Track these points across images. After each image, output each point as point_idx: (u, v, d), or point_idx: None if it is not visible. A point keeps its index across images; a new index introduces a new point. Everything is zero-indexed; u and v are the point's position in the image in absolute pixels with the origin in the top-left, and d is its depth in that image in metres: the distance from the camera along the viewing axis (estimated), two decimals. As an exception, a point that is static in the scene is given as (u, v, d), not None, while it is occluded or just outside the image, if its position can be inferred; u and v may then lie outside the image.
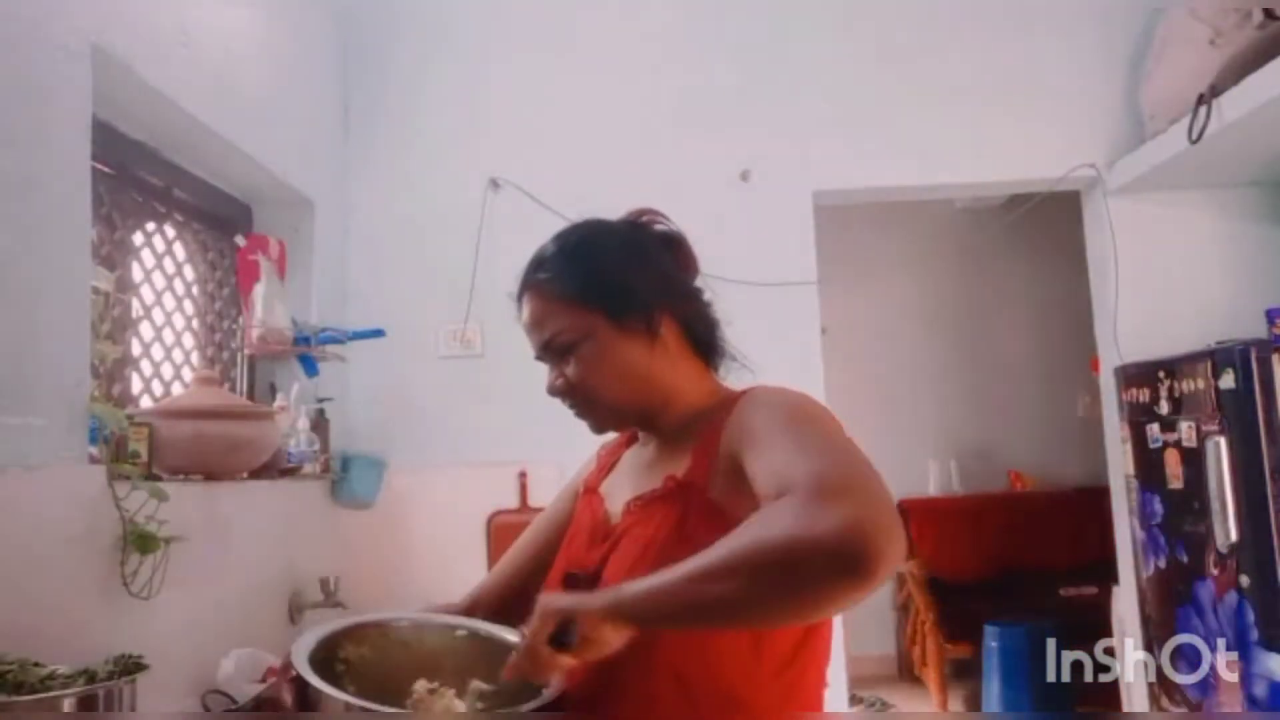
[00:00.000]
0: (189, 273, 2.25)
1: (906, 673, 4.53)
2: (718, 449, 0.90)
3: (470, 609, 1.09)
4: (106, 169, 1.86)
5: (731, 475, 0.87)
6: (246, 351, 2.34)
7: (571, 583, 0.95)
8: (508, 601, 1.09)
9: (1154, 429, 2.44)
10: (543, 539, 1.13)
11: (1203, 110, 2.23)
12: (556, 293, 0.99)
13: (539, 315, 1.00)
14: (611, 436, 1.14)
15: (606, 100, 2.82)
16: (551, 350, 1.00)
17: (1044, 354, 4.64)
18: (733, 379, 1.07)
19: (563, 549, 1.05)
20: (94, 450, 1.52)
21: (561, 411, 1.04)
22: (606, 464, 1.13)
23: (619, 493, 1.03)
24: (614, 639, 0.76)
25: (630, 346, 0.98)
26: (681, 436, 0.98)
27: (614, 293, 0.98)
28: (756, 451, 0.84)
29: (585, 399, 1.00)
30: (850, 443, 0.82)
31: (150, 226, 2.08)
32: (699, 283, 1.09)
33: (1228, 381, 2.13)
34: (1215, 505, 2.16)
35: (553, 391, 1.01)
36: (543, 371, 1.03)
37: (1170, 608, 2.39)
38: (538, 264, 1.02)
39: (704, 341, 1.04)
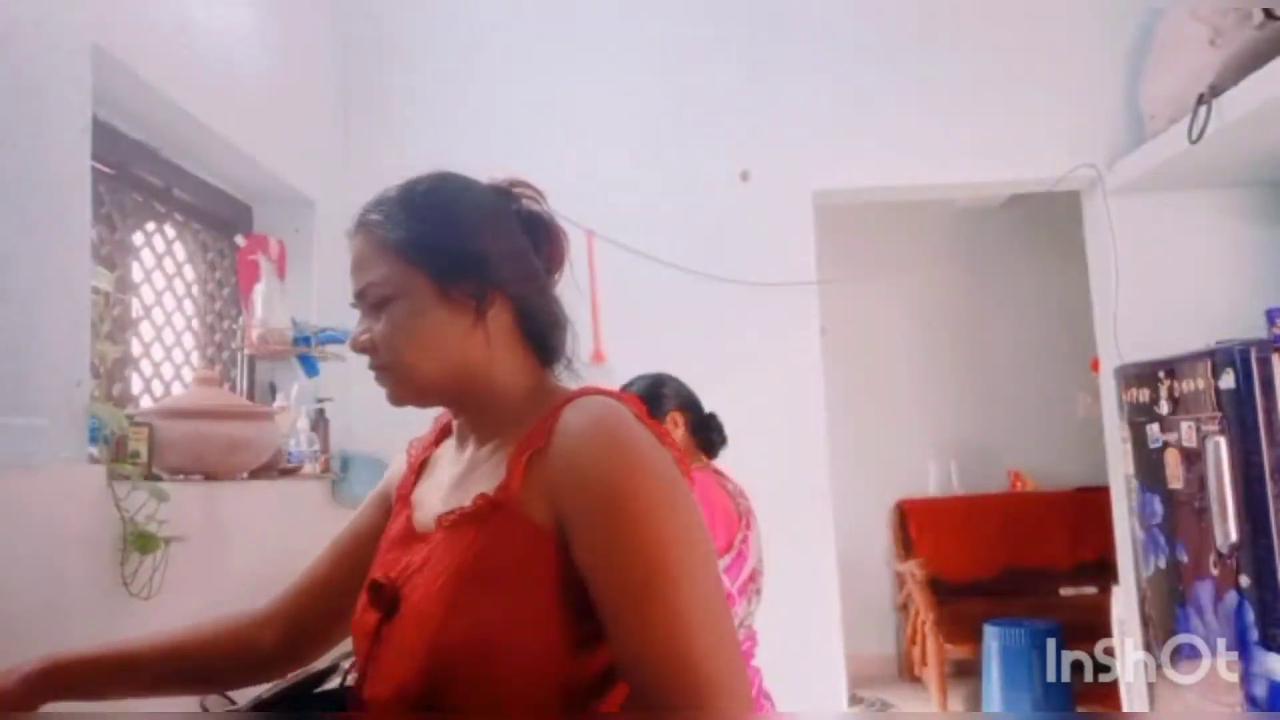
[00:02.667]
0: (189, 273, 2.25)
1: (906, 673, 4.53)
2: (531, 473, 0.82)
3: (266, 620, 1.09)
4: (106, 169, 1.86)
5: (547, 502, 0.80)
6: (246, 351, 2.34)
7: (375, 591, 0.87)
8: (304, 613, 1.07)
9: (1154, 429, 2.44)
10: (342, 550, 1.07)
11: (1203, 110, 2.23)
12: (384, 239, 0.89)
13: (361, 258, 0.91)
14: (423, 432, 1.09)
15: (607, 100, 2.82)
16: (365, 300, 0.91)
17: (1044, 354, 4.64)
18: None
19: (376, 559, 0.95)
20: (94, 450, 1.52)
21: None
22: (416, 465, 1.04)
23: (430, 500, 0.95)
24: None
25: (449, 318, 0.88)
26: (498, 438, 0.90)
27: (446, 254, 0.88)
28: (590, 558, 0.78)
29: (388, 362, 0.90)
30: (680, 560, 0.76)
31: (150, 226, 2.08)
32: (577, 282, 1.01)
33: (1228, 381, 2.13)
34: (1215, 505, 2.16)
35: (355, 346, 0.92)
36: None
37: (1170, 608, 2.39)
38: (376, 203, 0.92)
39: (538, 337, 0.93)
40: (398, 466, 1.09)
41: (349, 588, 0.96)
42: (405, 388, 0.91)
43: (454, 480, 0.93)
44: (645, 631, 0.74)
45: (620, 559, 0.76)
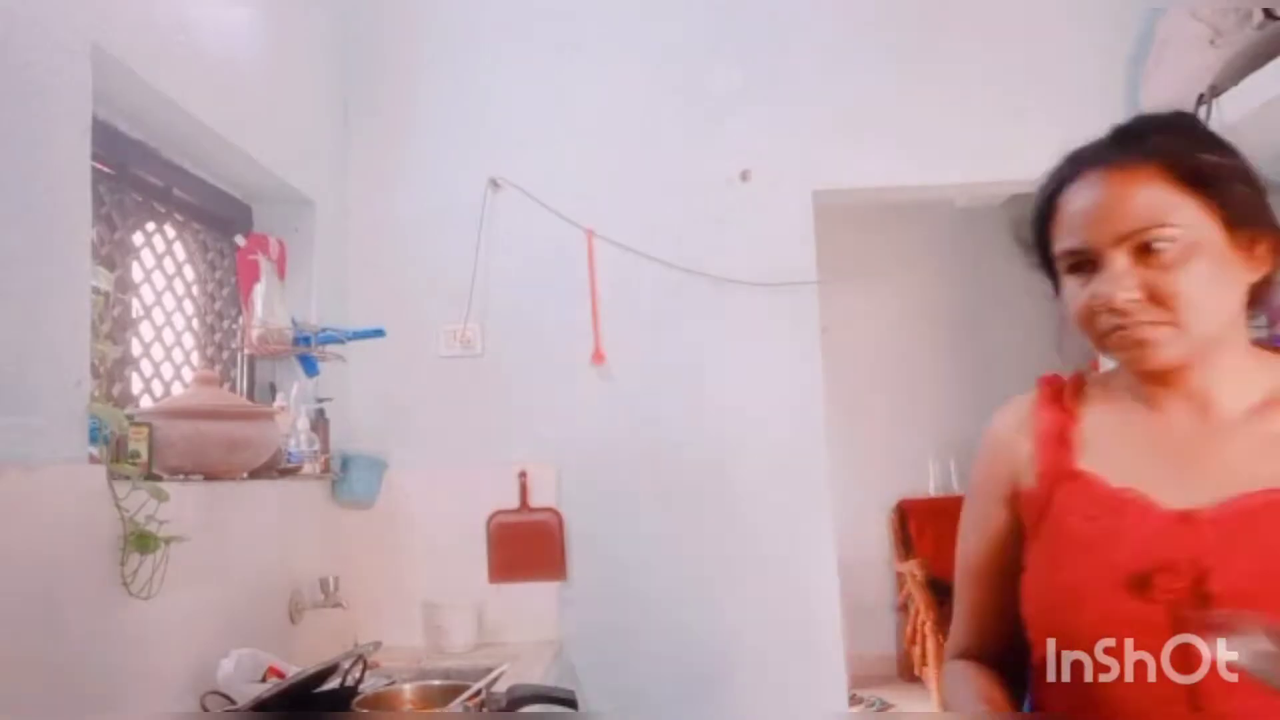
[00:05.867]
0: (189, 273, 2.25)
1: (906, 673, 4.53)
2: None
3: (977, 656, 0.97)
4: (106, 169, 1.86)
5: None
6: (246, 351, 2.34)
7: (1154, 583, 0.79)
8: (1012, 637, 0.93)
9: (1154, 429, 2.43)
10: (1001, 560, 0.96)
11: (1203, 110, 2.23)
12: (1181, 174, 0.82)
13: (1146, 195, 0.82)
14: (1010, 416, 1.02)
15: (607, 100, 2.82)
16: (1138, 248, 0.81)
17: (1044, 354, 4.63)
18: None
19: (1098, 549, 0.84)
20: (94, 450, 1.52)
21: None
22: (1061, 435, 0.92)
23: (1152, 474, 0.85)
24: None
25: (1236, 269, 0.82)
26: (1243, 409, 0.83)
27: (1241, 198, 0.83)
28: None
29: (1180, 321, 0.81)
30: None
31: (150, 226, 2.08)
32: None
33: (1228, 381, 2.13)
34: (1215, 505, 2.16)
35: (1123, 305, 0.81)
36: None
37: (1170, 608, 2.39)
38: (1158, 127, 0.88)
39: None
40: (993, 455, 1.01)
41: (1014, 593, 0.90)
42: (1186, 351, 0.82)
43: (1193, 456, 0.84)
44: None
45: None
